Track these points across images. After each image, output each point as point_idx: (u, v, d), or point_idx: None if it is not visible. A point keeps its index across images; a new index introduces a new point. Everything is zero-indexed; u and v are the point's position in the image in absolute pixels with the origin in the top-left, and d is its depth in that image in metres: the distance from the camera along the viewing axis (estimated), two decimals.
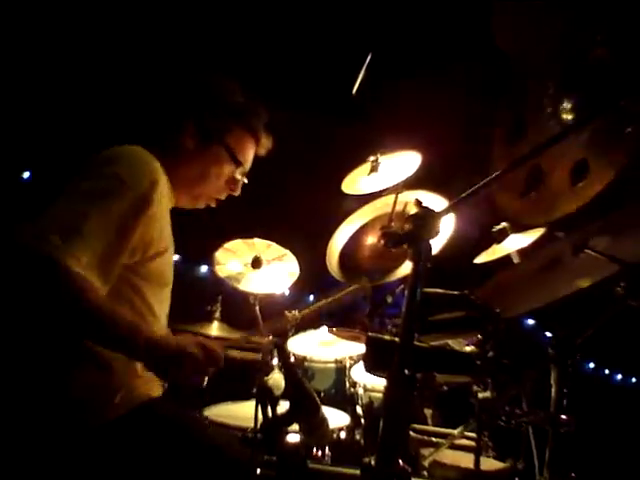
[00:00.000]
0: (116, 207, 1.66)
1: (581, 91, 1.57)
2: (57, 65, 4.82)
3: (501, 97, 1.65)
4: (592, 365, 7.00)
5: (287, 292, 5.19)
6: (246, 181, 2.09)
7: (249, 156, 2.08)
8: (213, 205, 2.09)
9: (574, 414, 1.77)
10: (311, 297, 6.19)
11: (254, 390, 2.76)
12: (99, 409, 1.68)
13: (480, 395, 1.58)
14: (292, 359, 3.00)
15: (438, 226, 1.26)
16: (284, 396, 1.59)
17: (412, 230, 1.22)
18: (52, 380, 1.67)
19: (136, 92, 3.82)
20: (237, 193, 2.08)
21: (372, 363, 1.43)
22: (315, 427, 1.56)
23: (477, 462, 1.46)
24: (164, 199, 1.85)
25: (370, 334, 1.49)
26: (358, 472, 1.32)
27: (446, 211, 1.30)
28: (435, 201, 2.59)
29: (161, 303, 1.92)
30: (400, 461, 1.19)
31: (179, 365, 1.67)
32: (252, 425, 1.76)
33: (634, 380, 6.75)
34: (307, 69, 4.60)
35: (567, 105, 1.50)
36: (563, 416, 1.70)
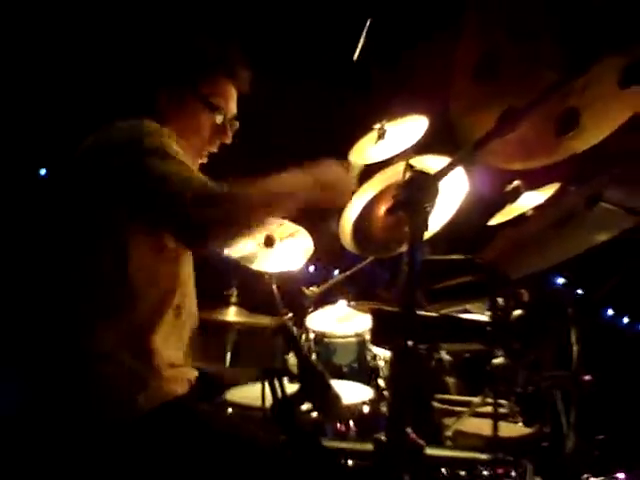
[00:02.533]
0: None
1: (582, 36, 1.48)
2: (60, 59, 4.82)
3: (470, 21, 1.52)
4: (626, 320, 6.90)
5: (312, 268, 5.19)
6: (237, 126, 2.06)
7: (230, 98, 2.03)
8: (204, 161, 2.06)
9: (604, 371, 1.72)
10: (336, 272, 6.16)
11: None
12: (123, 407, 1.68)
13: (494, 362, 1.53)
14: (312, 336, 2.96)
15: (434, 190, 1.20)
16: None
17: (406, 196, 1.16)
18: (77, 378, 1.68)
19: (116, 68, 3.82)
20: (228, 141, 2.05)
21: (378, 336, 1.39)
22: (328, 405, 1.53)
23: (495, 429, 1.42)
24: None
25: (374, 306, 1.45)
26: (371, 447, 1.28)
27: (442, 173, 1.24)
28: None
29: (188, 279, 1.94)
30: (411, 434, 1.15)
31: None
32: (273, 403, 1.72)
33: None
34: (310, 38, 4.52)
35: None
36: (586, 377, 1.64)
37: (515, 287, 2.16)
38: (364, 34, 3.38)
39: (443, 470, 1.42)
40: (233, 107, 2.04)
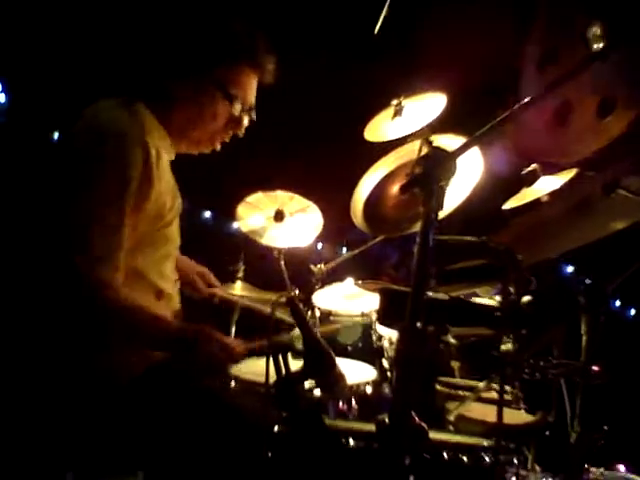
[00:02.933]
0: (106, 190, 1.66)
1: (608, 18, 1.44)
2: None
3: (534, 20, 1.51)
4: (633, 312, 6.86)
5: (319, 245, 5.16)
6: (254, 117, 1.97)
7: (249, 88, 1.94)
8: (217, 149, 2.00)
9: (611, 363, 1.69)
10: (344, 249, 6.14)
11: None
12: (116, 369, 1.71)
13: (502, 347, 1.50)
14: (318, 313, 2.94)
15: (452, 167, 1.16)
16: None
17: (422, 172, 1.13)
18: (77, 351, 1.70)
19: (126, 41, 3.75)
20: (241, 133, 1.98)
21: (385, 315, 1.37)
22: (332, 383, 1.52)
23: (500, 416, 1.40)
24: (155, 159, 1.75)
25: (382, 285, 1.43)
26: (374, 428, 1.26)
27: (460, 150, 1.19)
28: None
29: (168, 261, 1.90)
30: (415, 417, 1.13)
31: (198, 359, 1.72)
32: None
33: None
34: (330, 12, 4.45)
35: (596, 31, 1.36)
36: (594, 367, 1.62)
37: (526, 273, 2.13)
38: (385, 8, 3.30)
39: (445, 454, 1.41)
40: (252, 98, 1.96)
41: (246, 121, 1.96)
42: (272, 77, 1.97)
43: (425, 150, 1.29)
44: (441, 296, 1.43)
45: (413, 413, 1.12)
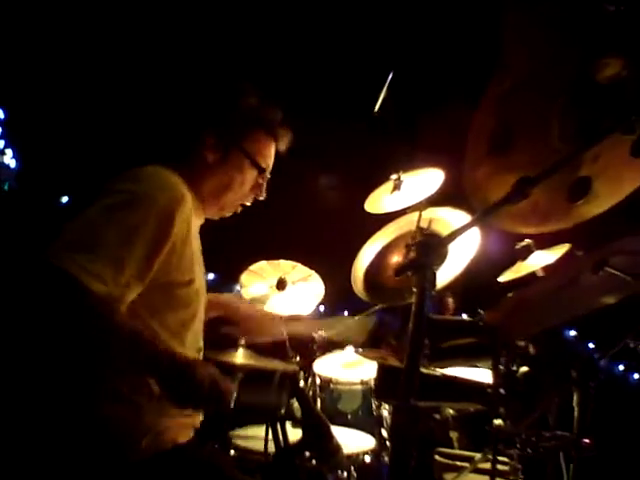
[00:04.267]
0: (141, 222, 1.64)
1: (591, 108, 1.55)
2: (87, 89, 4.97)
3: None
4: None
5: (322, 309, 5.21)
6: (268, 180, 2.07)
7: (270, 157, 2.07)
8: (238, 211, 2.08)
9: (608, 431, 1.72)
10: (345, 313, 6.18)
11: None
12: (126, 449, 1.68)
13: (494, 422, 1.55)
14: (318, 381, 2.98)
15: (443, 253, 1.24)
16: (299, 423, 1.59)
17: (416, 258, 1.21)
18: (82, 416, 1.68)
19: (154, 110, 3.88)
20: (262, 197, 2.08)
21: (381, 390, 1.43)
22: (329, 455, 1.55)
23: None
24: (189, 219, 1.81)
25: (380, 362, 1.49)
26: None
27: (451, 237, 1.28)
28: (459, 218, 2.57)
29: (189, 331, 1.87)
30: None
31: (193, 395, 1.63)
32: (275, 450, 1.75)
33: None
34: (333, 89, 4.64)
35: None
36: (586, 440, 1.66)
37: (519, 345, 2.19)
38: (386, 87, 3.45)
39: None
40: (271, 164, 2.08)
41: (264, 186, 2.07)
42: (286, 147, 2.11)
43: (418, 235, 1.38)
44: (434, 373, 1.48)
45: None
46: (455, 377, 1.62)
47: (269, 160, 2.07)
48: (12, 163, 6.14)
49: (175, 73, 4.43)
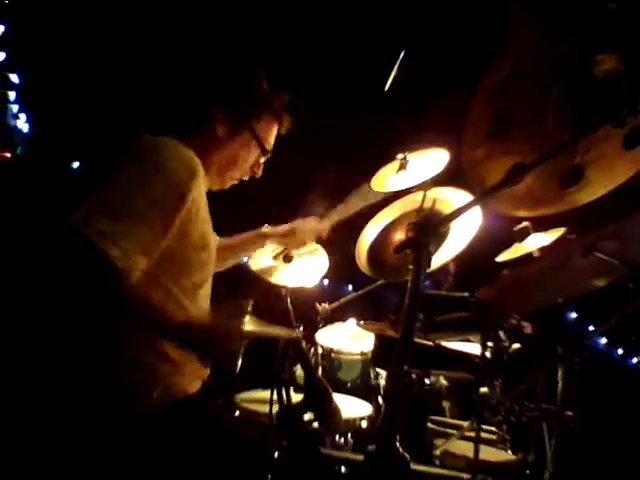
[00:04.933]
0: (158, 193, 1.72)
1: (586, 100, 1.63)
2: (104, 61, 5.03)
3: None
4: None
5: (325, 282, 5.32)
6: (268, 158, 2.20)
7: (272, 138, 2.19)
8: (236, 183, 2.20)
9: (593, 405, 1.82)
10: (350, 287, 6.29)
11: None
12: (138, 402, 1.79)
13: (481, 391, 1.67)
14: (320, 350, 3.10)
15: (440, 233, 1.35)
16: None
17: (413, 237, 1.32)
18: (96, 374, 1.77)
19: (169, 83, 3.94)
20: (259, 175, 2.20)
21: (378, 358, 1.54)
22: (328, 416, 1.67)
23: (476, 453, 1.55)
24: (202, 190, 1.94)
25: (378, 329, 1.60)
26: (362, 457, 1.42)
27: (449, 218, 1.38)
28: (463, 198, 2.66)
29: (200, 296, 1.98)
30: (399, 448, 1.30)
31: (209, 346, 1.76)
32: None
33: None
34: (343, 64, 4.68)
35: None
36: (568, 412, 1.77)
37: (518, 320, 2.30)
38: (397, 66, 3.50)
39: None
40: (272, 144, 2.21)
41: (262, 164, 2.20)
42: (285, 131, 2.24)
43: (417, 215, 1.48)
44: (426, 343, 1.60)
45: (397, 444, 1.28)
46: (446, 347, 1.73)
47: (272, 140, 2.19)
48: (25, 127, 6.23)
49: (191, 48, 4.49)
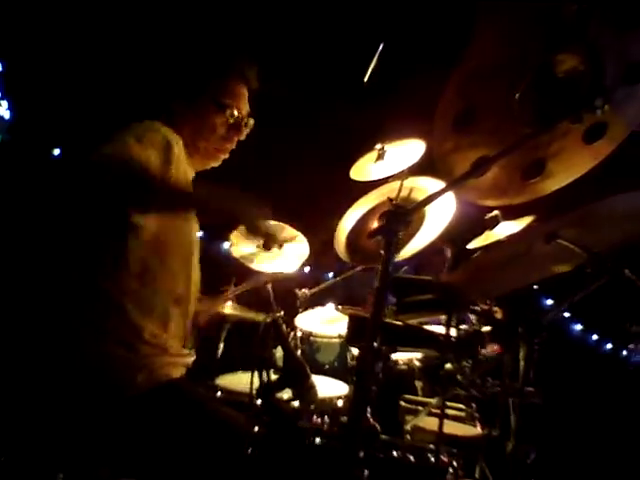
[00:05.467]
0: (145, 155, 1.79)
1: (548, 96, 1.73)
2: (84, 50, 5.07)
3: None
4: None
5: (307, 269, 5.42)
6: (252, 123, 2.21)
7: (239, 97, 2.18)
8: (226, 156, 2.22)
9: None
10: (330, 274, 6.39)
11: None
12: (122, 385, 1.84)
13: (446, 367, 1.78)
14: (299, 334, 3.21)
15: (408, 222, 1.45)
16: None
17: (384, 225, 1.42)
18: (82, 355, 1.82)
19: (139, 68, 3.99)
20: (242, 137, 2.20)
21: (351, 337, 1.65)
22: (305, 392, 1.78)
23: (440, 427, 1.67)
24: (182, 163, 1.97)
25: (351, 312, 1.71)
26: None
27: (417, 208, 1.49)
28: (437, 187, 2.76)
29: (191, 269, 2.07)
30: (370, 419, 1.41)
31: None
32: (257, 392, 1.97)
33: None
34: (324, 54, 4.74)
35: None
36: (530, 388, 1.89)
37: (490, 304, 2.42)
38: (376, 58, 3.57)
39: (395, 453, 1.66)
40: (245, 105, 2.20)
41: (246, 127, 2.21)
42: (256, 82, 2.23)
43: (392, 203, 1.59)
44: (394, 322, 1.71)
45: (368, 416, 1.40)
46: (413, 326, 1.85)
47: (241, 100, 2.18)
48: (6, 115, 6.22)
49: (155, 32, 4.52)
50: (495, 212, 2.67)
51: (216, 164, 2.24)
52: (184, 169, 2.00)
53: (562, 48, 1.76)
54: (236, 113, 2.16)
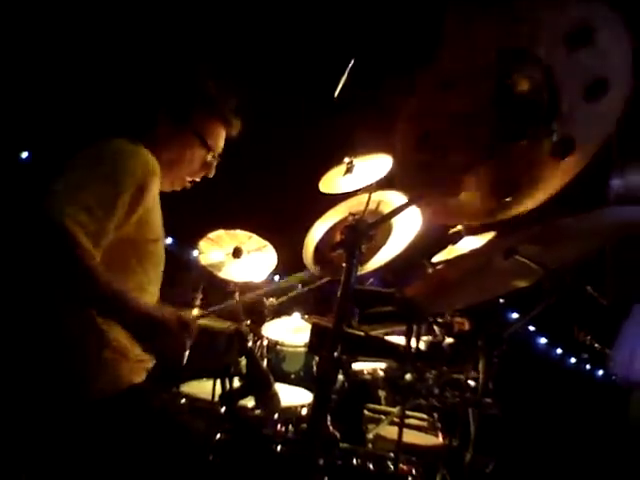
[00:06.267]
0: (121, 188, 1.82)
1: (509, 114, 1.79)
2: (53, 53, 5.04)
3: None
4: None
5: (276, 278, 5.44)
6: (219, 160, 2.28)
7: (220, 138, 2.27)
8: (188, 187, 2.29)
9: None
10: (299, 285, 6.39)
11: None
12: (82, 389, 1.84)
13: (405, 378, 1.83)
14: (266, 343, 3.23)
15: (370, 235, 1.50)
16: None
17: (345, 239, 1.47)
18: (44, 359, 1.82)
19: (116, 81, 3.99)
20: (211, 175, 2.28)
21: (313, 346, 1.69)
22: (267, 400, 1.81)
23: (400, 435, 1.72)
24: (158, 187, 2.03)
25: (313, 321, 1.75)
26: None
27: (377, 223, 1.54)
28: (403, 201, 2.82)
29: (157, 283, 2.11)
30: (329, 427, 1.45)
31: (160, 336, 1.82)
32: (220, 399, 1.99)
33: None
34: (295, 67, 4.80)
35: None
36: (487, 400, 1.95)
37: (452, 316, 2.48)
38: (347, 73, 3.62)
39: (354, 461, 1.70)
40: (221, 146, 2.29)
41: (214, 165, 2.28)
42: (237, 133, 2.32)
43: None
44: (355, 332, 1.75)
45: (328, 423, 1.43)
46: (374, 337, 1.89)
47: (219, 141, 2.27)
48: None
49: (137, 49, 4.53)
50: (459, 227, 2.74)
51: (177, 189, 2.30)
52: (154, 197, 2.03)
53: (516, 68, 1.80)
54: (216, 155, 2.26)
